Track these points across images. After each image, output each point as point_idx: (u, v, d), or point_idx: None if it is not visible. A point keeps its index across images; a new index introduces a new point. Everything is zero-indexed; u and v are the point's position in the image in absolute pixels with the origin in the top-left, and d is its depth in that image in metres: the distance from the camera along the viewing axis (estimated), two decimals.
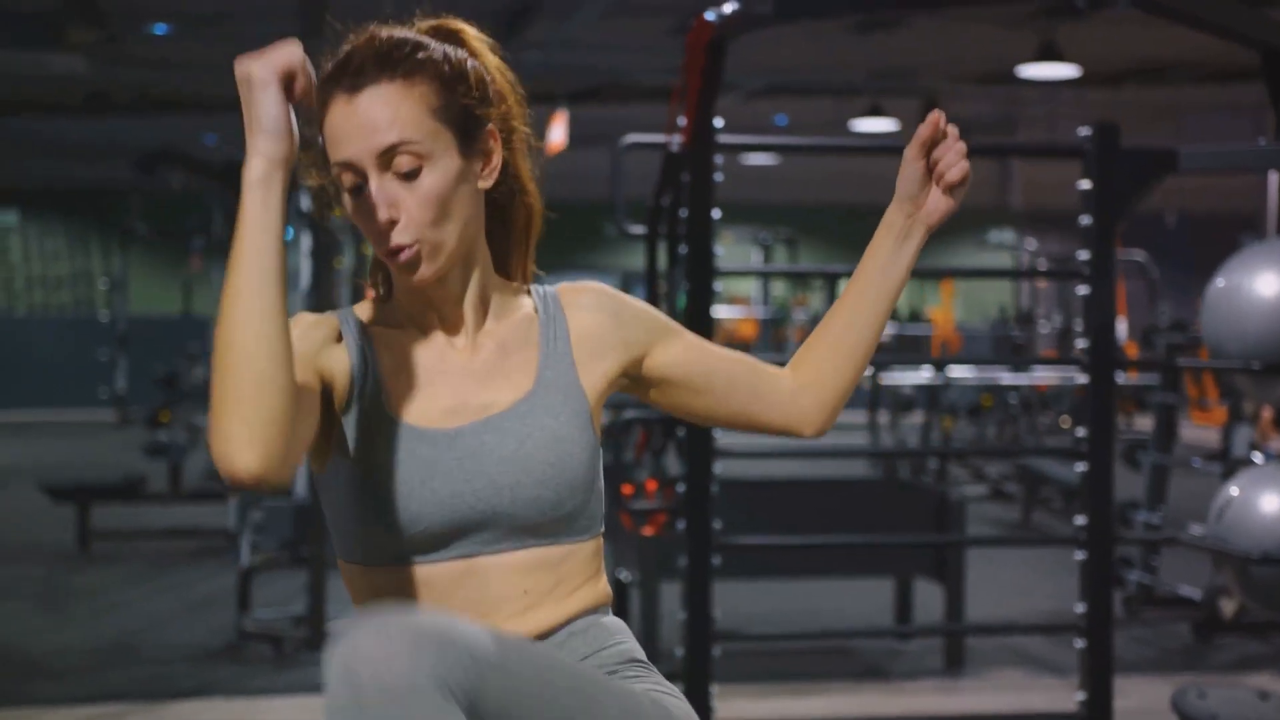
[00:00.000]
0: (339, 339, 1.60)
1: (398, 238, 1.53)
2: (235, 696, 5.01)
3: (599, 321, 1.67)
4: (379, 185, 1.52)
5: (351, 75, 1.53)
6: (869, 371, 11.34)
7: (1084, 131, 4.01)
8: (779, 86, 13.79)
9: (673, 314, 4.06)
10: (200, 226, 10.41)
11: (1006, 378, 10.69)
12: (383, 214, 1.52)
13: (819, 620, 6.17)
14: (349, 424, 1.57)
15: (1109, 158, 3.99)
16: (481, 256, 1.63)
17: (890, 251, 1.72)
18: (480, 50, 1.64)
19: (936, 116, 1.67)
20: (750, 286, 18.77)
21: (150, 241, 15.75)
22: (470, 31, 1.65)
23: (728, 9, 3.36)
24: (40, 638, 5.93)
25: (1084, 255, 4.01)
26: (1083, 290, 4.02)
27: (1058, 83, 12.19)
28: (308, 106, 1.52)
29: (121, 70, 10.50)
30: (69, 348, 17.48)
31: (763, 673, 5.35)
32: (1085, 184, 4.00)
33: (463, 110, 1.56)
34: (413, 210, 1.53)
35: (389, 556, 1.56)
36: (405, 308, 1.64)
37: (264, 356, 1.39)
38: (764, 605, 6.32)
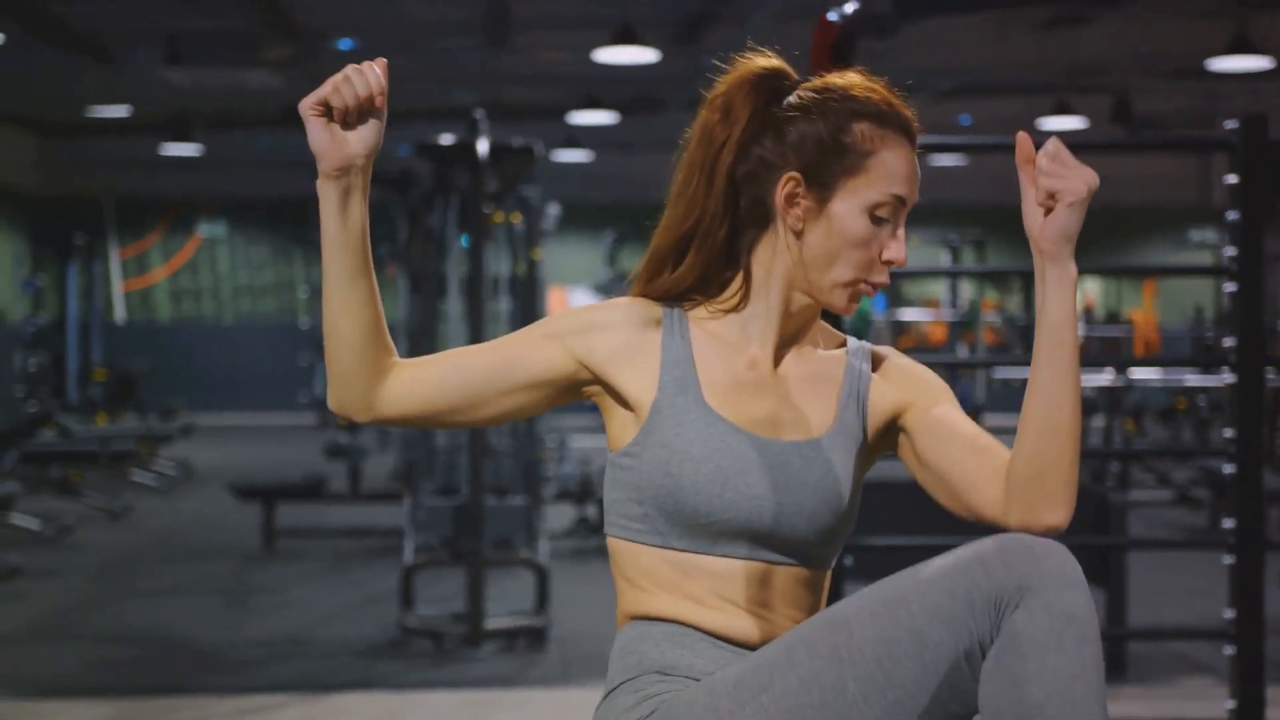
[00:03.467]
0: (651, 327, 1.74)
1: (886, 276, 1.71)
2: (395, 690, 5.16)
3: (891, 376, 1.77)
4: (902, 229, 1.71)
5: (911, 130, 1.72)
6: None
7: (1231, 124, 3.89)
8: (967, 87, 13.61)
9: None
10: (387, 234, 10.70)
11: (1193, 379, 10.37)
12: (901, 254, 1.70)
13: None
14: (657, 409, 1.69)
15: (1257, 151, 3.87)
16: None
17: (1038, 298, 1.63)
18: None
19: (1021, 138, 1.65)
20: (940, 289, 18.52)
21: None
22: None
23: (849, 9, 3.35)
24: (220, 631, 6.19)
25: (1231, 252, 3.90)
26: (1229, 288, 3.90)
27: (1255, 75, 11.78)
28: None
29: (313, 85, 10.81)
30: (272, 354, 18.15)
31: None
32: (1232, 178, 3.88)
33: None
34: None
35: (678, 540, 1.68)
36: (744, 321, 1.75)
37: (332, 326, 1.69)
38: None
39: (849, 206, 1.68)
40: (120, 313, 18.86)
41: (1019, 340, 17.01)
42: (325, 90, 1.65)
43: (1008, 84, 13.59)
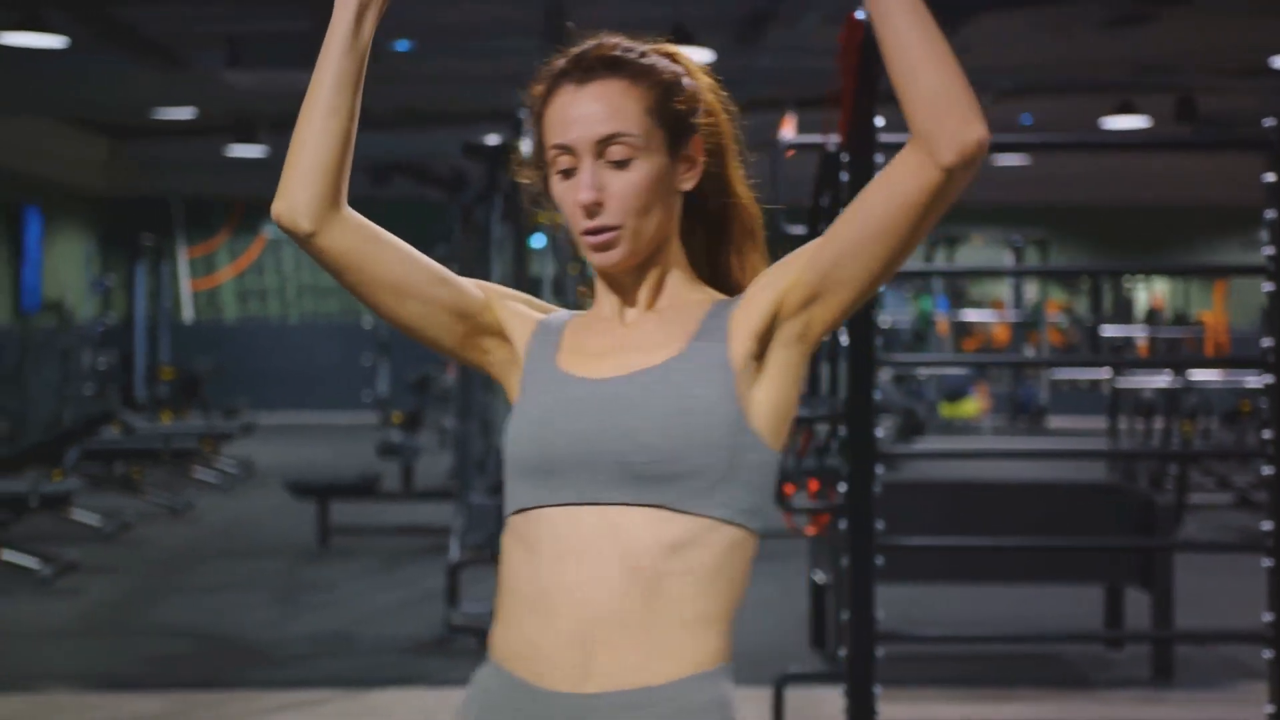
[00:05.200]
0: (536, 317, 1.76)
1: (603, 218, 1.65)
2: (437, 687, 5.21)
3: (756, 290, 1.69)
4: (591, 170, 1.65)
5: (582, 70, 1.68)
6: (1107, 374, 11.05)
7: (1269, 122, 3.86)
8: (1029, 86, 13.51)
9: None
10: (442, 235, 10.76)
11: (1254, 380, 10.22)
12: (589, 195, 1.64)
13: (1015, 626, 6.04)
14: (522, 383, 1.72)
15: None
16: (672, 253, 1.73)
17: None
18: (695, 71, 1.76)
19: None
20: (1004, 290, 18.39)
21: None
22: (685, 56, 1.78)
23: None
24: (271, 627, 6.27)
25: (1269, 251, 3.86)
26: (1268, 288, 3.86)
27: None
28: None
29: (370, 86, 10.88)
30: (335, 353, 18.31)
31: (959, 678, 5.28)
32: (1270, 176, 3.84)
33: (676, 116, 1.69)
34: (620, 196, 1.65)
35: (527, 495, 1.64)
36: (602, 293, 1.75)
37: (306, 128, 1.66)
38: (958, 609, 6.22)
39: (551, 174, 1.70)
40: (188, 312, 19.10)
41: (1086, 341, 16.85)
42: None
43: (1070, 83, 13.47)
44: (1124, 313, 17.48)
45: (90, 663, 5.67)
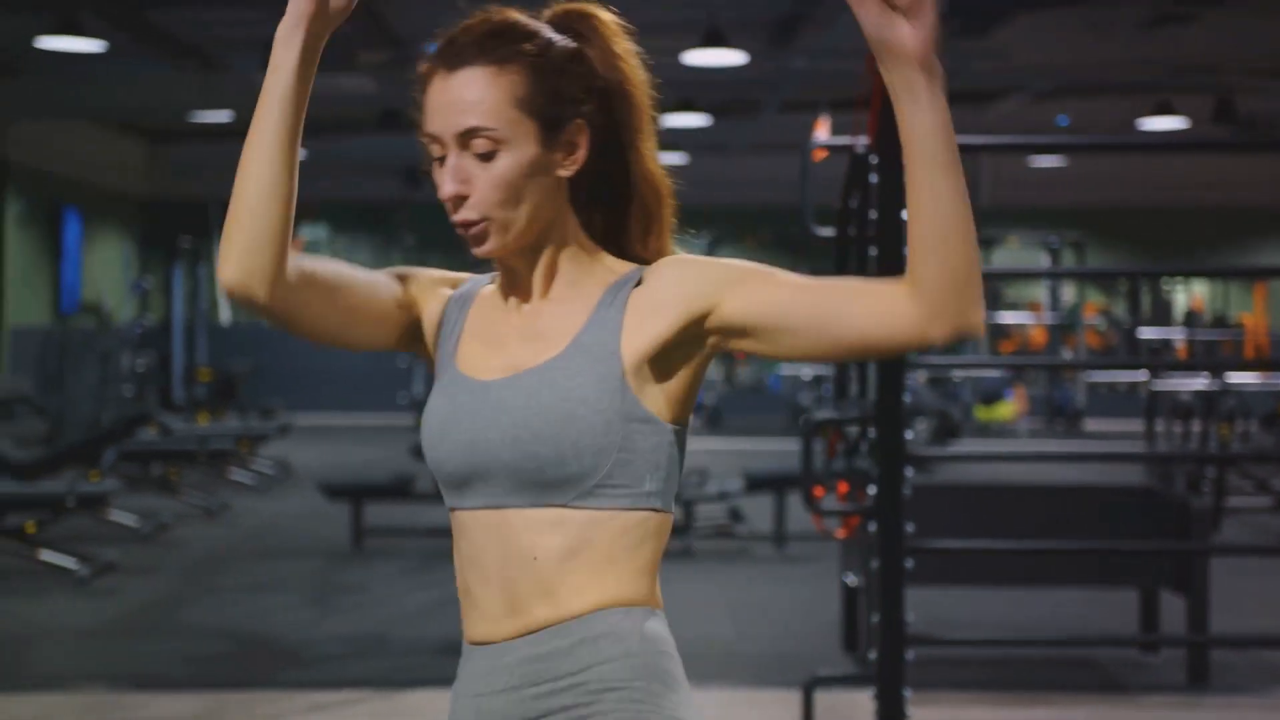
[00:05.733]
0: (445, 299, 1.76)
1: (464, 212, 1.63)
2: None
3: (662, 285, 1.66)
4: (455, 161, 1.62)
5: (452, 54, 1.62)
6: (1144, 377, 10.97)
7: None
8: (1066, 87, 13.44)
9: None
10: None
11: None
12: (450, 188, 1.62)
13: (1049, 630, 6.02)
14: (438, 372, 1.73)
15: None
16: (561, 236, 1.70)
17: (907, 118, 1.53)
18: (610, 35, 1.70)
19: None
20: (1041, 292, 18.30)
21: (442, 251, 16.44)
22: (604, 16, 1.71)
23: None
24: (304, 628, 6.30)
25: None
26: None
27: None
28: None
29: (408, 89, 10.99)
30: (371, 355, 18.37)
31: (992, 682, 5.26)
32: None
33: (549, 103, 1.64)
34: (483, 189, 1.62)
35: (447, 498, 1.69)
36: (500, 276, 1.75)
37: (254, 191, 1.60)
38: (992, 613, 6.20)
39: (430, 160, 1.68)
40: (225, 314, 19.21)
41: (1124, 344, 16.75)
42: None
43: (1108, 84, 13.39)
44: (1163, 315, 17.37)
45: (126, 662, 5.72)
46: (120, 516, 8.63)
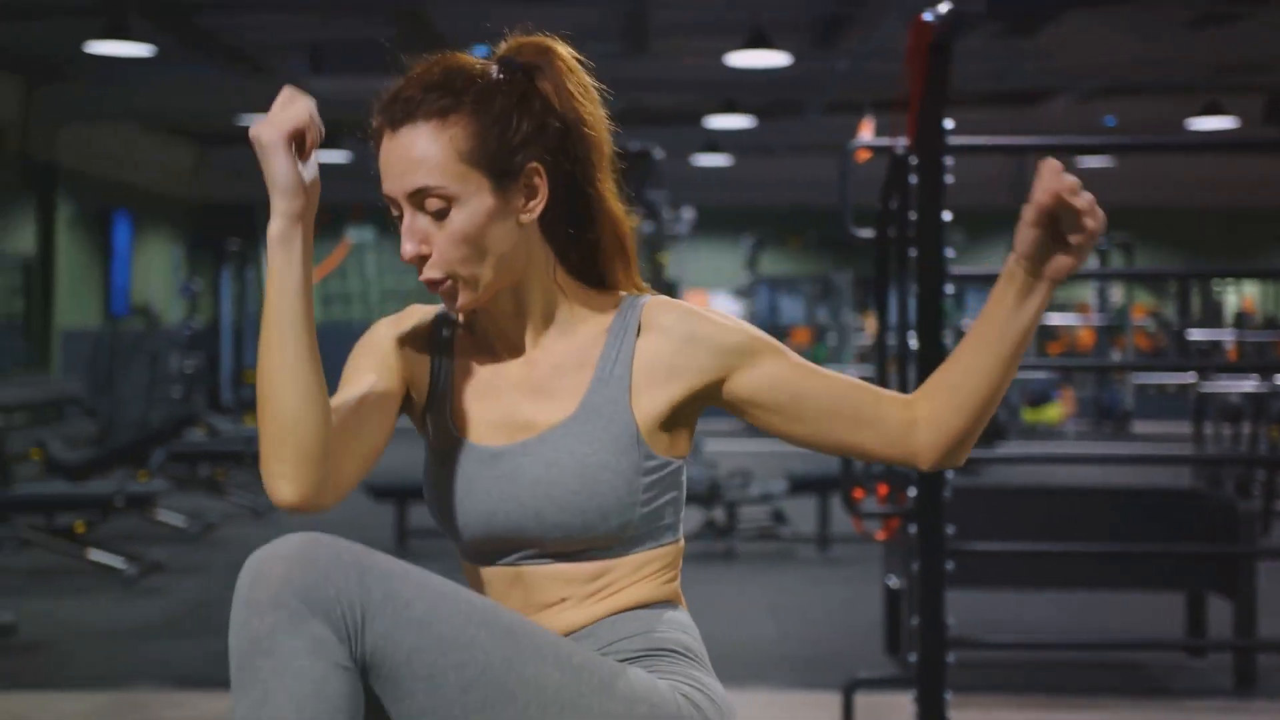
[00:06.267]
0: (428, 340, 1.73)
1: (428, 272, 1.61)
2: None
3: (671, 347, 1.65)
4: (410, 221, 1.60)
5: (396, 109, 1.60)
6: (1193, 379, 10.86)
7: None
8: (1113, 87, 13.36)
9: (903, 316, 4.03)
10: None
11: None
12: (409, 249, 1.61)
13: (1093, 633, 5.97)
14: (428, 428, 1.71)
15: None
16: (540, 278, 1.67)
17: (1012, 307, 1.62)
18: (565, 71, 1.66)
19: (1057, 184, 1.58)
20: (1089, 293, 18.17)
21: None
22: (560, 50, 1.67)
23: (943, 9, 3.33)
24: None
25: None
26: None
27: None
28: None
29: None
30: None
31: (1035, 685, 5.23)
32: None
33: (498, 151, 1.59)
34: (442, 248, 1.60)
35: (462, 555, 1.73)
36: (480, 323, 1.74)
37: (294, 402, 1.53)
38: (1036, 616, 6.16)
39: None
40: None
41: (1173, 345, 16.61)
42: (297, 117, 1.54)
43: (1155, 84, 13.30)
44: (1213, 316, 17.21)
45: (173, 661, 5.76)
46: (168, 516, 8.70)
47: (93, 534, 7.79)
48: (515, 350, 1.69)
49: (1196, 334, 14.11)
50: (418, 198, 1.59)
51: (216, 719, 4.97)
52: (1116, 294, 17.70)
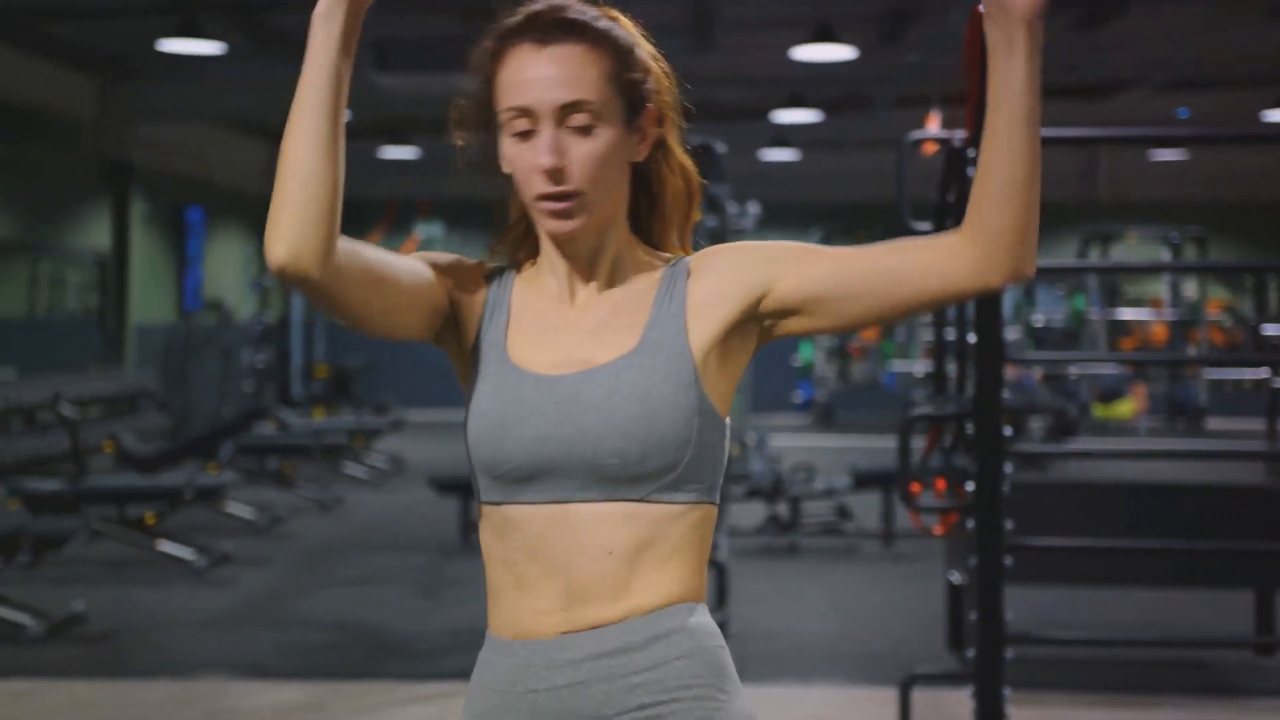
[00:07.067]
0: (484, 283, 1.74)
1: (561, 184, 1.62)
2: None
3: (718, 276, 1.68)
4: (553, 134, 1.61)
5: (540, 31, 1.63)
6: (1265, 373, 10.68)
7: None
8: (1187, 79, 13.19)
9: (961, 312, 4.01)
10: None
11: None
12: (551, 160, 1.61)
13: (1159, 631, 5.90)
14: (475, 364, 1.69)
15: None
16: (619, 225, 1.71)
17: (1003, 69, 1.57)
18: (640, 39, 1.71)
19: None
20: (1163, 288, 17.95)
21: None
22: (625, 19, 1.72)
23: None
24: (411, 620, 6.38)
25: None
26: None
27: None
28: None
29: None
30: None
31: (1099, 683, 5.19)
32: None
33: (631, 86, 1.65)
34: (582, 163, 1.62)
35: (495, 493, 1.65)
36: (542, 264, 1.74)
37: (307, 165, 1.55)
38: (1103, 613, 6.10)
39: (503, 137, 1.65)
40: None
41: (1249, 340, 16.36)
42: None
43: (1230, 76, 13.11)
44: None
45: (239, 651, 5.84)
46: (237, 509, 8.81)
47: (163, 525, 7.91)
48: (575, 293, 1.71)
49: (1272, 329, 13.89)
50: (567, 111, 1.62)
51: (282, 708, 5.04)
52: (1190, 288, 17.48)
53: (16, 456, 9.94)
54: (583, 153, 1.61)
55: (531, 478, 1.63)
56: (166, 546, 7.60)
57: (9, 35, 11.66)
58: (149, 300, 14.69)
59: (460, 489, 8.32)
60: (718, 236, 7.38)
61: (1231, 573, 5.33)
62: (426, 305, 1.69)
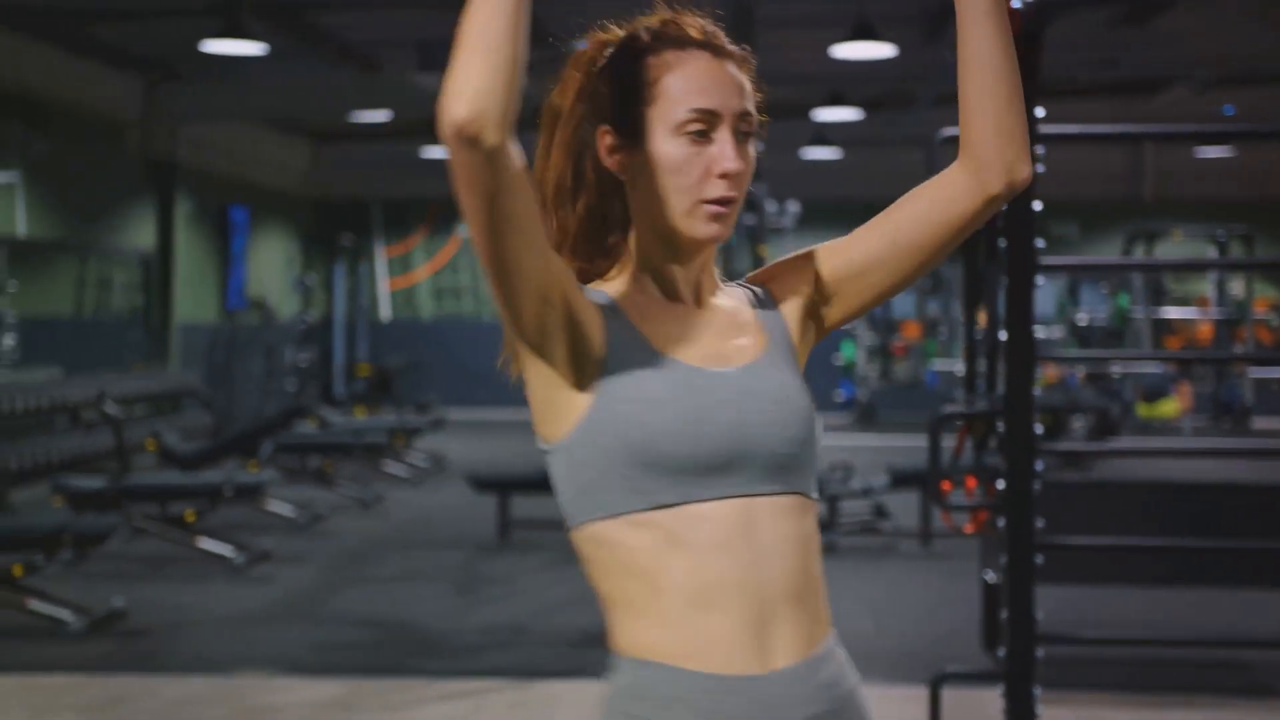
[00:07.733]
0: (594, 297, 1.66)
1: (732, 189, 1.64)
2: (602, 678, 5.26)
3: (787, 282, 1.77)
4: (731, 140, 1.65)
5: (715, 41, 1.69)
6: None
7: None
8: (1231, 76, 13.08)
9: (992, 311, 3.99)
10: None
11: None
12: (738, 164, 1.64)
13: (1196, 631, 5.86)
14: (608, 360, 1.61)
15: None
16: None
17: None
18: None
19: None
20: (1208, 286, 17.80)
21: None
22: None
23: None
24: (448, 618, 6.41)
25: None
26: None
27: None
28: None
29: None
30: None
31: (1134, 683, 5.15)
32: None
33: (758, 104, 1.72)
34: (745, 173, 1.66)
35: (672, 493, 1.58)
36: (649, 277, 1.70)
37: (494, 30, 1.43)
38: (1139, 612, 6.06)
39: (659, 137, 1.63)
40: (385, 311, 19.59)
41: None
42: None
43: (1275, 71, 12.99)
44: None
45: (276, 648, 5.88)
46: (277, 507, 8.87)
47: (203, 523, 7.97)
48: (685, 297, 1.72)
49: None
50: (744, 120, 1.67)
51: (318, 704, 5.07)
52: (1236, 287, 17.32)
53: (61, 454, 10.04)
54: (746, 161, 1.66)
55: (724, 467, 1.59)
56: (206, 544, 7.66)
57: (55, 37, 11.78)
58: (193, 300, 14.80)
59: (498, 487, 8.34)
60: (755, 235, 7.37)
61: (1272, 572, 5.29)
62: (556, 272, 1.56)
